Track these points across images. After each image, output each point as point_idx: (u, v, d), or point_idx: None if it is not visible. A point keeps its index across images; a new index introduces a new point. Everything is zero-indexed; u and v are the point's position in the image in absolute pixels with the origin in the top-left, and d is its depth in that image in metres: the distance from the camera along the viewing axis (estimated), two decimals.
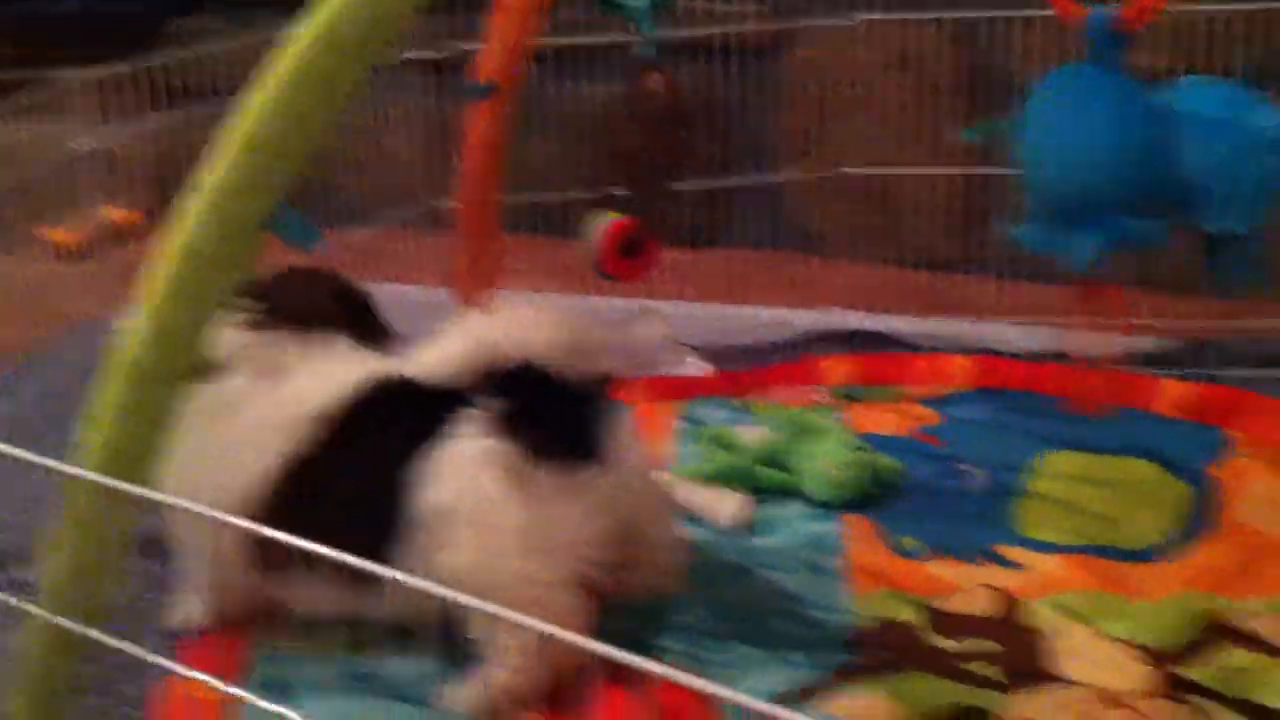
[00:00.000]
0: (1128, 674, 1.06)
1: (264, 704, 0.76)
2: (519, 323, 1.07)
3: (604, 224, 1.41)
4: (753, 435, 1.46)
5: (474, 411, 1.04)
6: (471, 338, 1.07)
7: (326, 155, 2.09)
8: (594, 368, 1.07)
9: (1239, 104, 0.90)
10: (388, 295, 1.88)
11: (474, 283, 1.65)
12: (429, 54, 1.80)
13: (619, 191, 1.44)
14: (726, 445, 1.45)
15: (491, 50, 1.46)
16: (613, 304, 1.99)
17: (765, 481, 1.39)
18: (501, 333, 1.07)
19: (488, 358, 1.05)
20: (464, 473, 1.03)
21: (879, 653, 1.11)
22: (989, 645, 1.11)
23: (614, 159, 1.35)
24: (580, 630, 1.06)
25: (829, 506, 1.36)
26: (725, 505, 1.34)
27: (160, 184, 1.85)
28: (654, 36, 1.28)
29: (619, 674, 1.08)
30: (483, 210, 1.56)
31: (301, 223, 0.91)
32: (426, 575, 1.00)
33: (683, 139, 1.28)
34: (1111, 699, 1.02)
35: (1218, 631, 1.11)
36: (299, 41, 0.75)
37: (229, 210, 0.79)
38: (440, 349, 1.08)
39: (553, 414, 1.05)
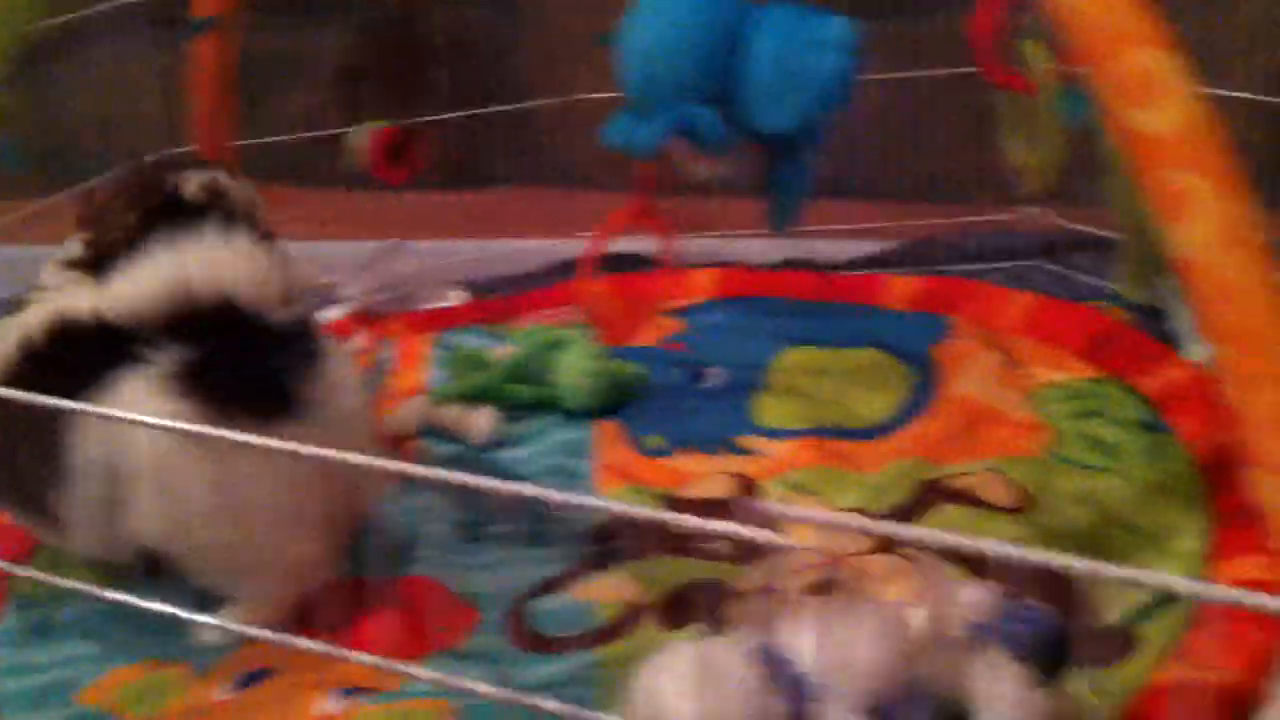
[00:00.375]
0: (851, 537, 1.13)
1: None
2: (216, 258, 0.96)
3: (369, 132, 1.42)
4: (503, 353, 1.50)
5: (151, 361, 0.94)
6: (163, 273, 0.95)
7: (65, 115, 2.05)
8: (297, 308, 0.99)
9: (806, 13, 0.95)
10: None
11: None
12: None
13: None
14: (477, 365, 1.49)
15: None
16: (366, 245, 2.00)
17: (517, 396, 1.43)
18: (196, 268, 0.95)
19: (180, 296, 0.95)
20: (139, 434, 0.93)
21: (620, 541, 1.16)
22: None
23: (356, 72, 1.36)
24: (318, 569, 1.07)
25: (578, 415, 1.41)
26: (475, 421, 1.38)
27: None
28: None
29: (370, 590, 1.12)
30: (218, 152, 1.55)
31: (12, 147, 0.90)
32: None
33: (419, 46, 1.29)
34: (837, 558, 1.09)
35: (932, 491, 1.19)
36: None
37: None
38: (131, 284, 0.97)
39: (246, 362, 0.96)
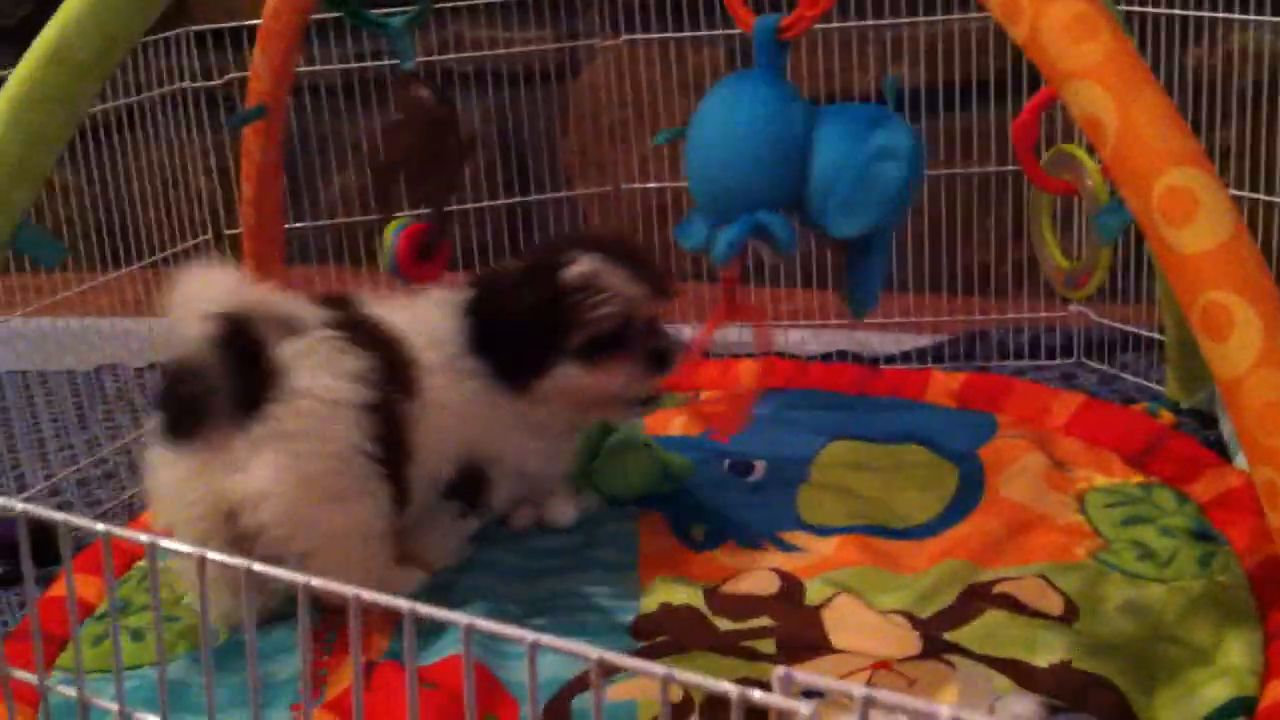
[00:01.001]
0: (895, 641, 1.12)
1: None
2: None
3: (398, 230, 1.44)
4: None
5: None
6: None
7: (119, 192, 2.08)
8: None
9: (869, 119, 0.97)
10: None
11: None
12: (206, 84, 1.81)
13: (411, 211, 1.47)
14: None
15: (258, 73, 1.49)
16: None
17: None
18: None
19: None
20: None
21: (661, 635, 1.16)
22: (766, 622, 1.17)
23: (391, 168, 1.38)
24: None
25: (622, 503, 1.41)
26: (559, 507, 1.39)
27: None
28: (412, 53, 1.32)
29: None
30: (265, 234, 1.58)
31: (46, 239, 0.92)
32: None
33: (456, 142, 1.32)
34: (879, 664, 1.08)
35: (975, 596, 1.18)
36: (29, 60, 0.77)
37: None
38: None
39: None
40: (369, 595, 0.52)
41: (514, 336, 1.22)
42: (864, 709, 0.39)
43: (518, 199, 2.15)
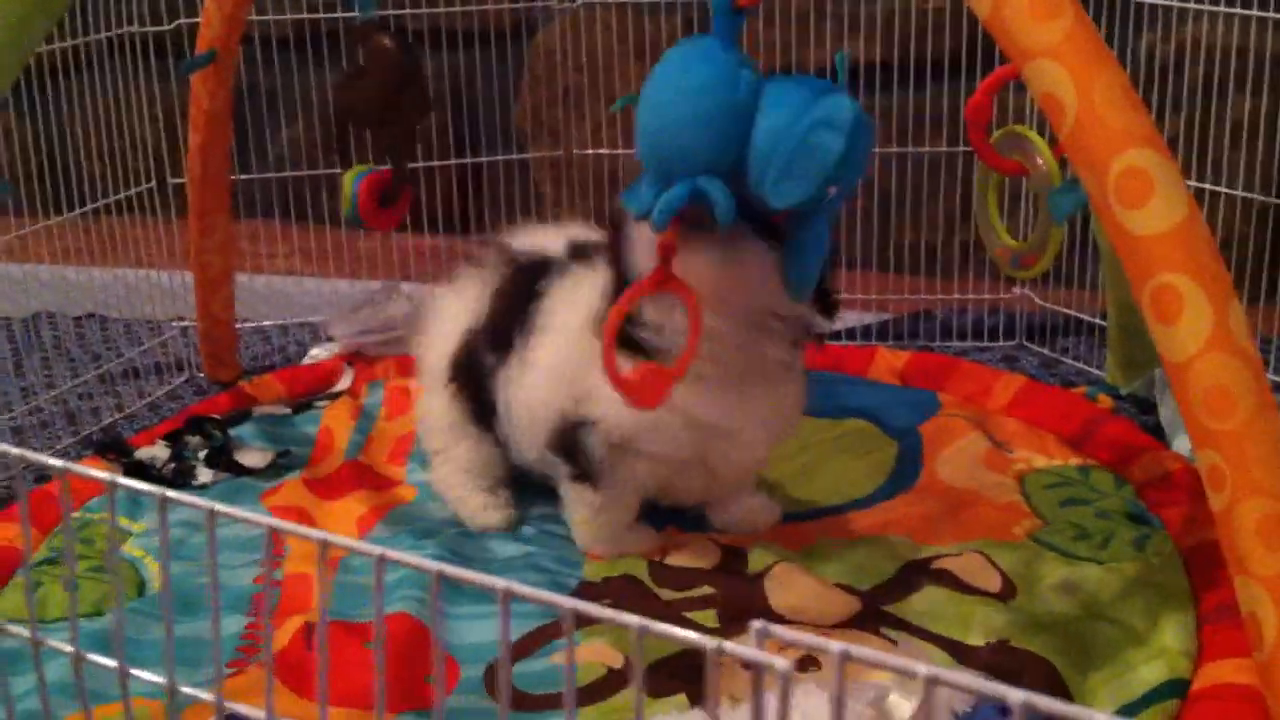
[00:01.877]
0: (837, 608, 1.12)
1: None
2: None
3: (358, 178, 1.42)
4: None
5: None
6: None
7: (60, 137, 2.04)
8: None
9: (814, 90, 0.96)
10: (133, 280, 1.86)
11: (206, 257, 1.63)
12: (152, 29, 1.78)
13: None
14: None
15: (209, 18, 1.46)
16: (358, 286, 2.00)
17: None
18: None
19: None
20: None
21: (604, 601, 1.15)
22: (708, 590, 1.17)
23: (352, 117, 1.36)
24: None
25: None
26: None
27: None
28: (373, 3, 1.30)
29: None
30: (211, 184, 1.55)
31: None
32: None
33: (419, 90, 1.30)
34: (823, 632, 1.09)
35: (914, 570, 1.19)
36: None
37: None
38: None
39: None
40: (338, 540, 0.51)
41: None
42: (841, 664, 0.39)
43: (469, 159, 2.13)
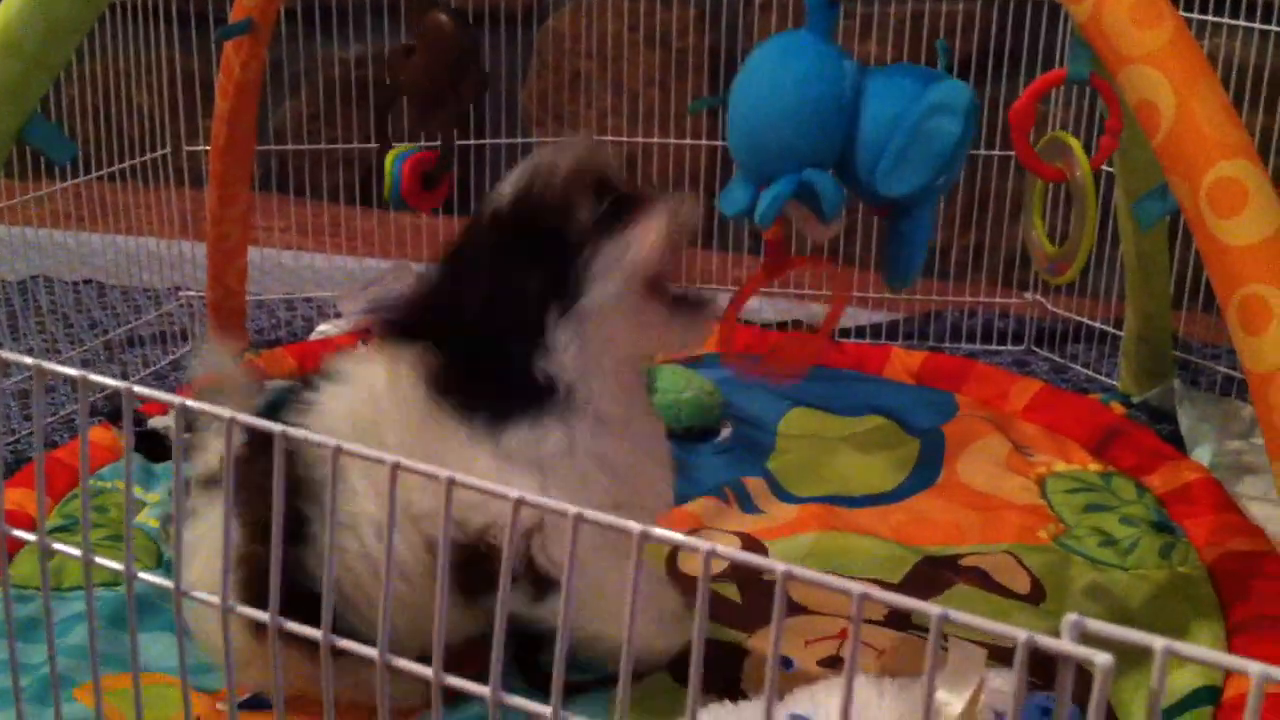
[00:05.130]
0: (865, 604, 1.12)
1: None
2: None
3: (400, 158, 1.40)
4: None
5: None
6: None
7: (63, 104, 2.01)
8: None
9: (923, 76, 0.96)
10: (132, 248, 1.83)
11: (224, 227, 1.61)
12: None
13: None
14: None
15: None
16: (364, 264, 1.99)
17: None
18: None
19: None
20: None
21: None
22: (731, 586, 1.17)
23: (404, 94, 1.33)
24: None
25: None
26: None
27: None
28: None
29: None
30: (235, 153, 1.53)
31: (57, 134, 0.89)
32: None
33: (476, 72, 1.28)
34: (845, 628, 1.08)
35: (942, 568, 1.19)
36: None
37: None
38: None
39: None
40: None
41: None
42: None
43: (472, 141, 2.11)
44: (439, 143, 1.36)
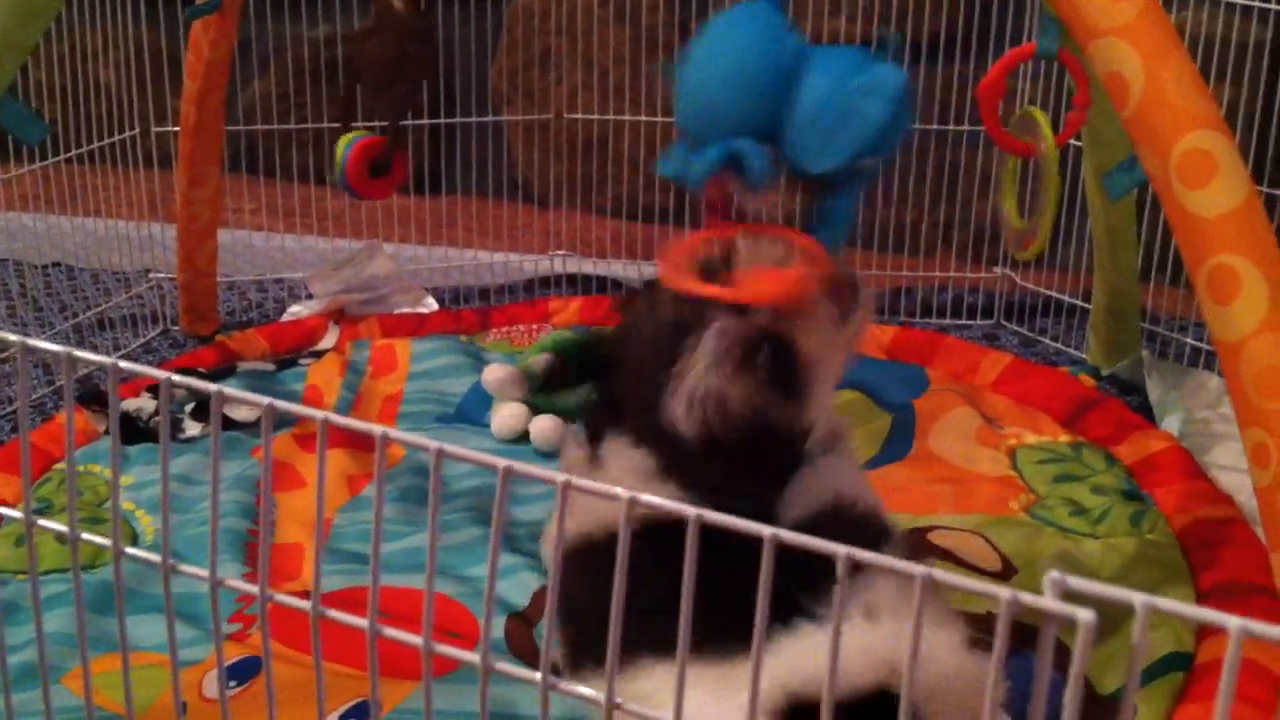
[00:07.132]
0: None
1: None
2: None
3: (350, 143, 1.39)
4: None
5: None
6: None
7: (28, 85, 1.99)
8: None
9: (861, 58, 0.96)
10: (101, 230, 1.82)
11: (194, 208, 1.60)
12: None
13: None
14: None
15: None
16: (334, 244, 1.98)
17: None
18: None
19: None
20: None
21: None
22: None
23: (360, 77, 1.33)
24: None
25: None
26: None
27: None
28: None
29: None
30: (204, 134, 1.53)
31: (29, 115, 0.88)
32: None
33: (424, 53, 1.28)
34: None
35: (919, 544, 1.20)
36: None
37: None
38: None
39: None
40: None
41: None
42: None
43: (443, 120, 2.11)
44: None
